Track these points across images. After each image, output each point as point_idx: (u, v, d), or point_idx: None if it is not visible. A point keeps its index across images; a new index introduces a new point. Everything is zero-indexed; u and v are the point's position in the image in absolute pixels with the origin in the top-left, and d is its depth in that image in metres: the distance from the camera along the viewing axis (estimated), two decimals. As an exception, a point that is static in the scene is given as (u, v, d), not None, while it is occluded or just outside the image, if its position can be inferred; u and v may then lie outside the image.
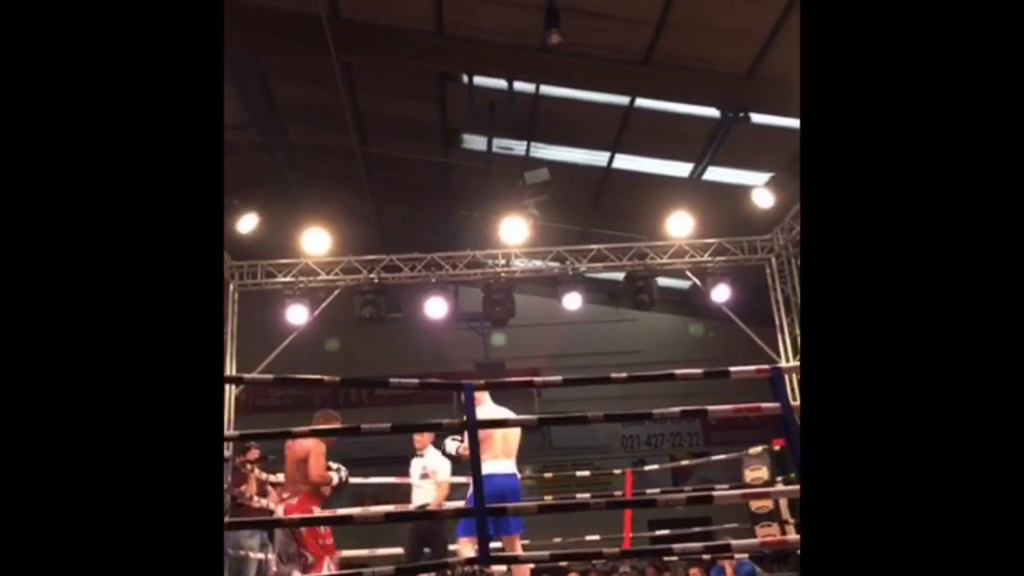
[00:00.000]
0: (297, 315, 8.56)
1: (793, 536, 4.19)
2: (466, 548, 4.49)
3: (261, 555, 5.81)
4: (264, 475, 6.11)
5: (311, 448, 4.79)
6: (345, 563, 6.53)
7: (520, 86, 8.59)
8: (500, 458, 4.53)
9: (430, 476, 5.91)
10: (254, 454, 6.01)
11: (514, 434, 4.66)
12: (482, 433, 4.38)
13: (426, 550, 5.68)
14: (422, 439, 6.04)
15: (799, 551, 4.65)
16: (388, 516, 3.78)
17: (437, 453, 5.95)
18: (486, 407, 4.68)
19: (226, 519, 5.89)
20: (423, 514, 5.32)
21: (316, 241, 8.60)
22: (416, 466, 6.06)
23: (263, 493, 6.02)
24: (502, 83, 8.53)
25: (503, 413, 4.65)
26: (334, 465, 4.85)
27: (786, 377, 3.89)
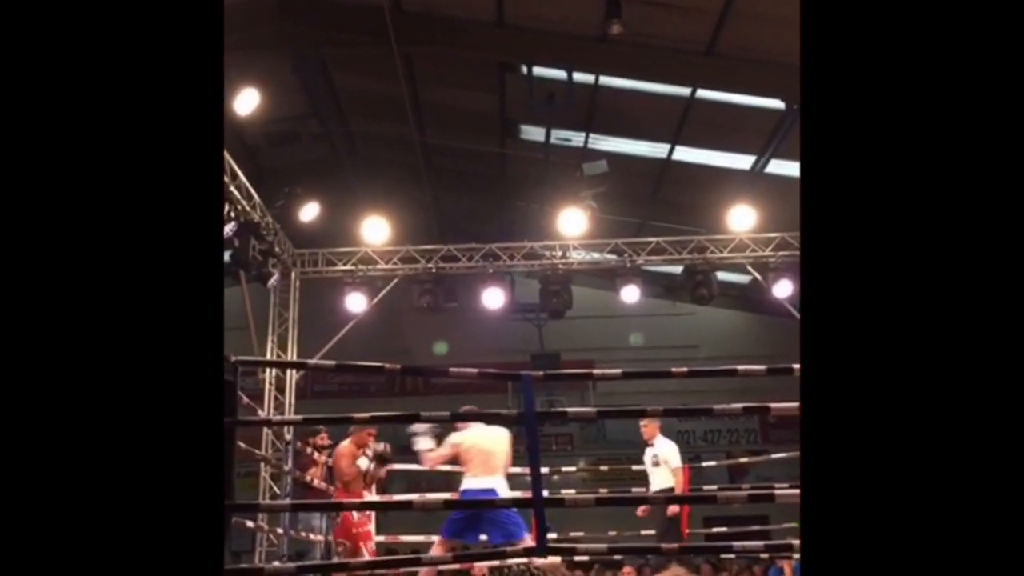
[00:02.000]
0: (356, 303, 8.68)
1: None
2: (438, 548, 4.56)
3: (321, 537, 5.93)
4: (327, 459, 6.21)
5: (341, 451, 5.15)
6: (405, 548, 6.64)
7: (579, 77, 8.54)
8: (479, 475, 4.60)
9: (662, 464, 6.01)
10: (324, 439, 6.13)
11: (498, 451, 4.68)
12: (462, 452, 4.61)
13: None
14: (649, 429, 6.13)
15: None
16: (447, 503, 3.82)
17: (666, 440, 6.11)
18: (475, 428, 4.70)
19: (288, 501, 6.02)
20: (482, 502, 5.35)
21: (375, 230, 8.71)
22: (648, 455, 6.19)
23: (328, 478, 6.12)
24: (561, 74, 8.49)
25: (493, 433, 4.70)
26: (369, 451, 5.07)
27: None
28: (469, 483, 4.59)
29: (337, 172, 10.52)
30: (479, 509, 4.41)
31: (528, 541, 4.41)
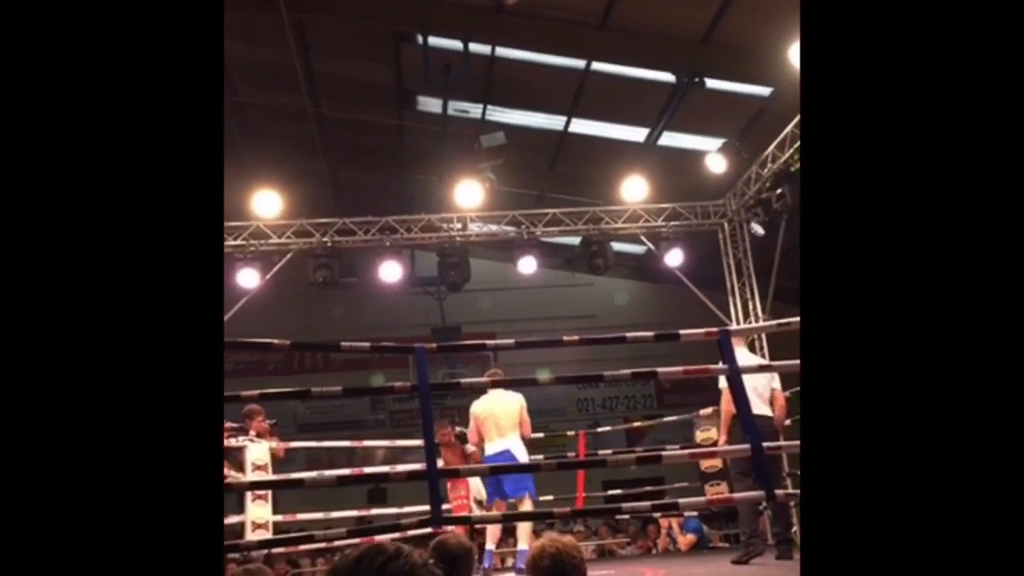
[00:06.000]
0: (249, 279, 8.43)
1: (740, 494, 4.31)
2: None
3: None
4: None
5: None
6: (298, 527, 6.55)
7: (476, 48, 8.48)
8: (494, 440, 5.17)
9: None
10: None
11: (507, 415, 5.19)
12: (479, 423, 5.25)
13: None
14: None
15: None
16: (340, 479, 3.79)
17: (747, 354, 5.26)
18: (485, 397, 5.33)
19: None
20: (378, 475, 5.36)
21: (267, 203, 8.45)
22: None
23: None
24: (457, 44, 8.42)
25: (502, 399, 5.24)
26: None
27: (734, 340, 3.97)
28: (488, 449, 5.17)
29: (227, 144, 10.11)
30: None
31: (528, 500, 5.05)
